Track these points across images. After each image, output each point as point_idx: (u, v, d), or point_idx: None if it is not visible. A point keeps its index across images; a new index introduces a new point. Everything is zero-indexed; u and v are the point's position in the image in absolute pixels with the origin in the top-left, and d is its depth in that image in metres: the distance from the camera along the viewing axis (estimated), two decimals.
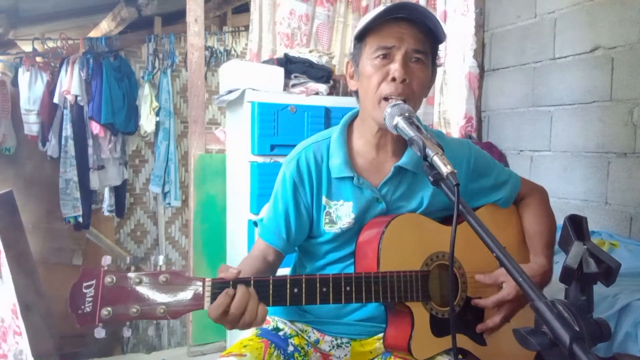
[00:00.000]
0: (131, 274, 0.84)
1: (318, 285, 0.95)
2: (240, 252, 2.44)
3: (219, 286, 0.88)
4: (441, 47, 1.13)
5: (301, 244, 1.24)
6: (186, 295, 0.86)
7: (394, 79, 1.02)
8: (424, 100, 1.17)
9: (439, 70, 2.88)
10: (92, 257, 4.44)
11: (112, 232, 4.66)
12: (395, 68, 1.02)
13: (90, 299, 0.82)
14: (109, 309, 0.82)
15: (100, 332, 0.85)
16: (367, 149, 1.15)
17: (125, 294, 0.83)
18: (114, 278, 0.83)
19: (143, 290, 0.84)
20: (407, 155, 1.12)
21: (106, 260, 0.86)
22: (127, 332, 0.90)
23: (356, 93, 1.15)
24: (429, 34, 1.05)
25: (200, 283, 0.87)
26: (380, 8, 1.02)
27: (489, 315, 1.09)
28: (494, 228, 1.16)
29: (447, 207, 1.17)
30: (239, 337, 1.13)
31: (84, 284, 0.82)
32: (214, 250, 2.80)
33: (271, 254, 1.16)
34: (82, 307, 0.81)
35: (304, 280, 0.94)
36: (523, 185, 1.25)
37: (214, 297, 0.87)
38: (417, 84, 1.05)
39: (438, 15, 2.91)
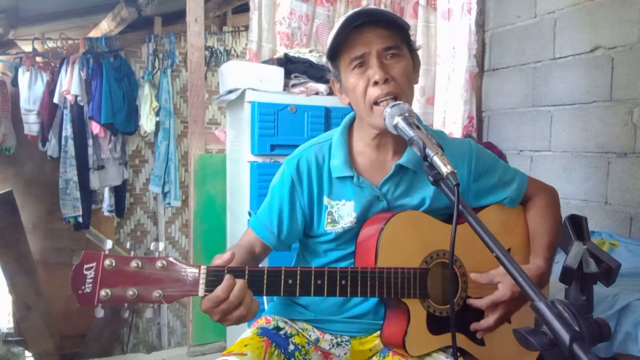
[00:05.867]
0: (130, 258, 0.88)
1: (313, 277, 0.96)
2: None
3: (213, 273, 0.91)
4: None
5: (303, 242, 1.25)
6: (182, 281, 0.89)
7: (376, 82, 1.04)
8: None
9: (445, 70, 2.90)
10: None
11: (112, 232, 4.66)
12: (372, 72, 1.04)
13: (91, 281, 0.86)
14: (108, 290, 0.86)
15: (99, 312, 0.91)
16: (367, 150, 1.16)
17: (124, 277, 0.87)
18: (113, 261, 0.87)
19: (140, 274, 0.88)
20: (408, 154, 1.12)
21: (107, 244, 0.91)
22: (125, 314, 0.95)
23: (350, 106, 1.16)
24: (394, 28, 1.06)
25: (196, 270, 0.90)
26: (339, 23, 1.05)
27: (487, 316, 1.09)
28: (500, 229, 1.15)
29: (449, 206, 1.16)
30: (239, 337, 1.13)
31: (85, 266, 0.86)
32: (214, 250, 2.79)
33: (259, 246, 1.18)
34: (83, 287, 0.86)
35: (298, 272, 0.96)
36: (532, 185, 1.25)
37: (208, 284, 0.90)
38: (400, 77, 1.06)
39: (441, 14, 2.92)
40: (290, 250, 1.24)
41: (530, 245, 1.20)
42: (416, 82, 1.16)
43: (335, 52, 1.09)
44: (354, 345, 1.17)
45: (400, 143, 1.14)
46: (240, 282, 0.90)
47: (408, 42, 1.11)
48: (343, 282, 0.97)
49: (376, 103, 1.05)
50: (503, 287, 1.04)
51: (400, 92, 1.05)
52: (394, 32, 1.07)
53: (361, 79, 1.06)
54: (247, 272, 0.92)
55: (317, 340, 1.17)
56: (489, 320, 1.06)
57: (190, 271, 0.90)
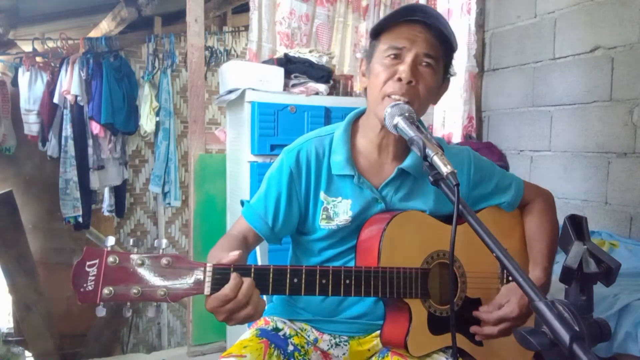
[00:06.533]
0: (134, 255, 0.85)
1: (318, 276, 0.95)
2: None
3: (219, 272, 0.88)
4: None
5: (296, 240, 1.24)
6: (187, 279, 0.86)
7: (400, 79, 1.03)
8: None
9: None
10: None
11: (112, 232, 4.66)
12: (402, 69, 1.03)
13: (93, 278, 0.83)
14: (111, 288, 0.83)
15: (101, 311, 0.87)
16: (369, 149, 1.15)
17: (127, 274, 0.84)
18: (117, 258, 0.84)
19: (145, 271, 0.85)
20: (411, 159, 1.12)
21: (109, 240, 0.88)
22: (127, 313, 0.92)
23: (365, 90, 1.15)
24: (442, 41, 1.05)
25: (201, 268, 0.87)
26: (400, 7, 1.04)
27: (487, 320, 1.09)
28: (497, 232, 1.16)
29: (449, 215, 1.16)
30: (239, 337, 1.13)
31: (87, 263, 0.83)
32: None
33: (251, 237, 1.16)
34: (85, 285, 0.82)
35: (304, 271, 0.94)
36: (528, 189, 1.25)
37: (214, 283, 0.87)
38: (423, 87, 1.05)
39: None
40: (280, 244, 1.23)
41: (528, 252, 1.20)
42: (434, 103, 1.15)
43: (379, 32, 1.09)
44: (353, 345, 1.16)
45: (401, 147, 1.14)
46: (247, 281, 0.88)
47: (447, 63, 1.11)
48: (347, 281, 0.97)
49: (389, 96, 1.04)
50: (511, 304, 1.04)
51: (415, 100, 1.04)
52: (441, 45, 1.06)
53: (388, 69, 1.05)
54: (253, 270, 0.90)
55: (316, 340, 1.17)
56: (493, 330, 1.06)
57: (196, 269, 0.87)
